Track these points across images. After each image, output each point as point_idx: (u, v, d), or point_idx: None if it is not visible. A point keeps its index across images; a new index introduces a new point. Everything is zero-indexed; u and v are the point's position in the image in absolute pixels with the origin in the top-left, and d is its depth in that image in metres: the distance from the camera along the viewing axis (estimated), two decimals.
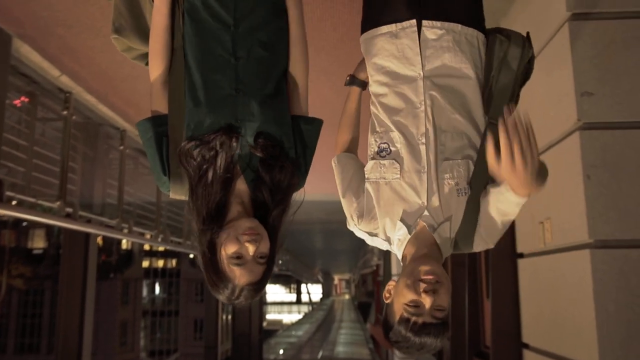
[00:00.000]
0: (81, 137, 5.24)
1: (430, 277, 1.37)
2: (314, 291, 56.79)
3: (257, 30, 1.50)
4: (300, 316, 45.96)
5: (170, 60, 1.50)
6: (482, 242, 1.52)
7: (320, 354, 21.70)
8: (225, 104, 1.44)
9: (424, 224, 1.49)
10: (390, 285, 1.48)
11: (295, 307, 51.93)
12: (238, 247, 1.33)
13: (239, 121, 1.43)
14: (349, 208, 1.62)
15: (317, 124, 1.57)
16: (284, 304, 52.28)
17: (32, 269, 26.31)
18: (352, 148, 1.74)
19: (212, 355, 11.20)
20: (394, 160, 1.54)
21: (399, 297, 1.40)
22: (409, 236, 1.50)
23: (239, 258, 1.33)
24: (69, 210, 4.54)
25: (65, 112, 4.48)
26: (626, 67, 2.38)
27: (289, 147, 1.49)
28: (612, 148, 2.34)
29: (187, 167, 1.41)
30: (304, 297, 53.72)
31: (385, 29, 1.61)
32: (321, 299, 56.32)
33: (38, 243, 27.88)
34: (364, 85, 1.71)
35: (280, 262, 28.56)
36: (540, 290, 2.95)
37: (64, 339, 5.33)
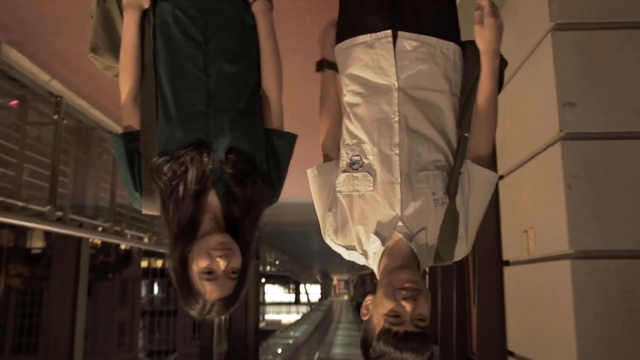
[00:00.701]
0: (73, 140, 5.24)
1: (408, 284, 1.36)
2: (312, 291, 56.84)
3: (227, 47, 1.51)
4: (298, 317, 45.97)
5: (141, 76, 1.51)
6: (463, 245, 1.52)
7: (316, 356, 21.68)
8: (196, 120, 1.45)
9: (399, 235, 1.48)
10: (368, 300, 1.45)
11: (294, 308, 51.94)
12: (209, 262, 1.33)
13: (210, 137, 1.44)
14: (323, 223, 1.60)
15: (290, 138, 1.58)
16: (282, 305, 52.30)
17: (30, 269, 26.27)
18: (337, 134, 1.66)
19: (208, 357, 11.19)
20: (367, 173, 1.53)
21: (378, 309, 1.38)
22: (383, 248, 1.48)
23: (210, 273, 1.33)
24: (60, 214, 4.54)
25: (56, 117, 4.48)
26: (610, 78, 2.38)
27: (260, 162, 1.49)
28: (593, 158, 2.34)
29: (159, 182, 1.42)
30: (303, 298, 53.77)
31: (360, 39, 1.60)
32: (320, 300, 56.31)
33: (36, 243, 27.85)
34: (334, 66, 1.68)
35: (277, 262, 28.58)
36: (524, 299, 2.95)
37: (55, 343, 5.34)
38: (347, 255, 1.61)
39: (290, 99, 4.70)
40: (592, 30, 2.41)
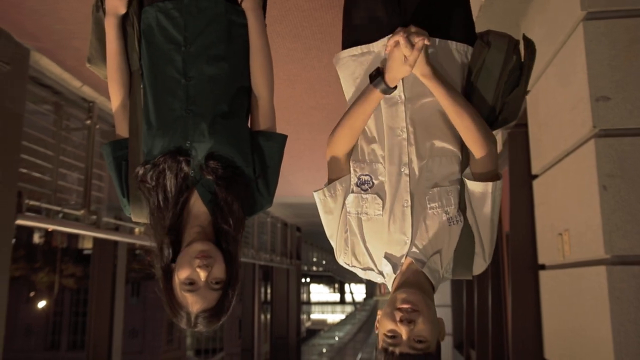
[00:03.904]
0: None
1: (405, 305, 1.29)
2: (357, 291, 56.67)
3: (210, 48, 1.45)
4: (343, 316, 45.91)
5: (129, 83, 1.49)
6: (481, 260, 1.44)
7: (359, 356, 21.58)
8: (176, 126, 1.40)
9: (411, 259, 1.41)
10: (379, 314, 1.40)
11: (338, 307, 51.92)
12: (190, 272, 1.28)
13: (190, 143, 1.39)
14: (335, 245, 1.53)
15: (277, 139, 1.49)
16: (327, 304, 52.35)
17: (82, 269, 27.13)
18: (349, 153, 1.51)
19: (249, 358, 11.26)
20: (376, 195, 1.45)
21: (381, 327, 1.34)
22: (394, 275, 1.43)
23: (191, 284, 1.28)
24: (94, 217, 4.61)
25: (88, 122, 4.55)
26: None
27: (245, 166, 1.42)
28: (630, 157, 2.18)
29: (144, 191, 1.39)
30: (348, 297, 53.66)
31: (366, 47, 1.53)
32: (364, 299, 56.11)
33: (88, 244, 28.74)
34: (388, 92, 1.42)
35: (322, 262, 28.61)
36: (561, 305, 2.79)
37: (95, 342, 5.43)
38: (363, 274, 1.54)
39: (319, 97, 4.71)
40: (626, 18, 2.24)
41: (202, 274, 1.27)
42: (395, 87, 1.40)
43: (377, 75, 1.39)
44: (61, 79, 4.11)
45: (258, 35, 1.51)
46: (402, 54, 1.33)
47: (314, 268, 28.13)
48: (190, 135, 1.39)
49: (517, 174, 3.34)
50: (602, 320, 2.18)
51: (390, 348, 1.29)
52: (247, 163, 1.43)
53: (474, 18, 1.64)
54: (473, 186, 1.41)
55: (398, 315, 1.29)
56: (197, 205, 1.38)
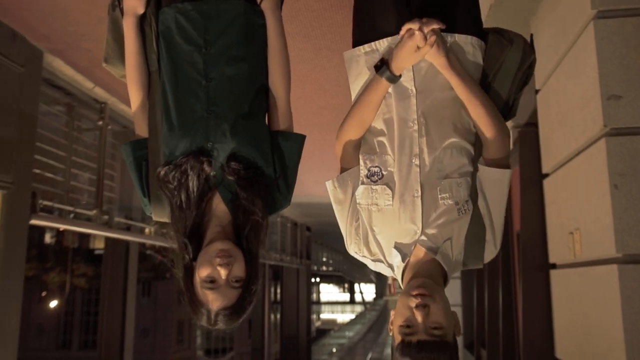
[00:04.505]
0: (120, 145, 5.36)
1: (418, 291, 1.30)
2: (367, 291, 56.62)
3: (229, 49, 1.46)
4: (353, 316, 45.87)
5: (148, 83, 1.50)
6: (491, 247, 1.46)
7: (369, 356, 21.57)
8: (197, 127, 1.42)
9: (422, 249, 1.42)
10: (392, 314, 1.40)
11: (348, 307, 51.88)
12: (210, 270, 1.30)
13: (211, 143, 1.41)
14: (346, 235, 1.55)
15: (296, 139, 1.52)
16: (337, 304, 52.32)
17: (93, 268, 27.29)
18: (361, 140, 1.52)
19: (259, 357, 11.29)
20: (385, 186, 1.46)
21: (395, 322, 1.34)
22: (403, 265, 1.43)
23: (212, 282, 1.31)
24: (106, 218, 4.65)
25: (100, 122, 4.59)
26: None
27: (266, 167, 1.44)
28: None
29: (165, 191, 1.41)
30: (357, 297, 53.62)
31: (376, 44, 1.53)
32: (374, 299, 56.03)
33: (99, 244, 28.91)
34: (394, 80, 1.44)
35: (331, 262, 28.61)
36: (573, 304, 2.78)
37: (107, 341, 5.48)
38: (373, 266, 1.56)
39: (329, 97, 4.72)
40: (637, 16, 2.24)
41: (223, 272, 1.29)
42: (400, 76, 1.43)
43: (382, 65, 1.43)
44: (73, 80, 4.15)
45: (277, 36, 1.52)
46: (414, 44, 1.36)
47: (324, 268, 28.13)
48: (211, 136, 1.41)
49: (528, 173, 3.33)
50: (614, 320, 2.18)
51: (407, 338, 1.28)
52: (268, 163, 1.45)
53: (483, 18, 1.65)
54: (488, 173, 1.43)
55: (412, 302, 1.29)
56: (218, 206, 1.40)
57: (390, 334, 1.38)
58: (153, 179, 1.45)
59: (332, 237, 20.49)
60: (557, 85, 2.71)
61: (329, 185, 1.55)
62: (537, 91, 3.09)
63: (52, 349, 28.73)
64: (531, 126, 3.30)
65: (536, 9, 3.00)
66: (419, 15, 1.49)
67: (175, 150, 1.42)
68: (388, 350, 22.91)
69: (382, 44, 1.51)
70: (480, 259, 1.48)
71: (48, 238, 26.55)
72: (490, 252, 1.47)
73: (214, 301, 1.31)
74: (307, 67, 4.02)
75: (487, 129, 1.42)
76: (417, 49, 1.37)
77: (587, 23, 2.33)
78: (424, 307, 1.27)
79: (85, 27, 3.31)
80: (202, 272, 1.30)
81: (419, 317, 1.27)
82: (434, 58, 1.40)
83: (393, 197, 1.44)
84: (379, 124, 1.49)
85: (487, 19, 2.91)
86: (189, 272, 1.35)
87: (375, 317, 39.98)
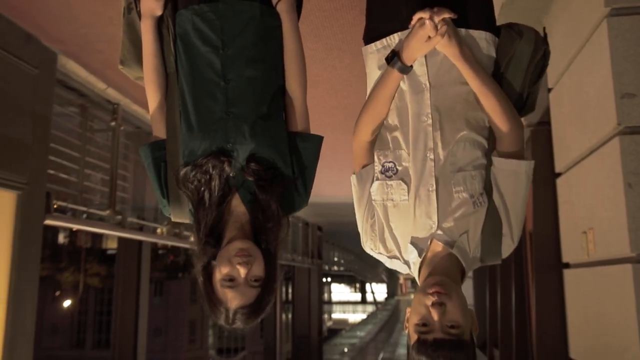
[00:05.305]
0: (133, 146, 5.40)
1: (434, 289, 1.28)
2: (378, 290, 56.51)
3: (246, 51, 1.47)
4: (364, 316, 45.83)
5: (166, 84, 1.51)
6: (509, 241, 1.44)
7: (381, 356, 21.52)
8: (216, 129, 1.43)
9: (439, 243, 1.41)
10: (407, 313, 1.38)
11: (360, 307, 51.84)
12: (230, 269, 1.31)
13: (231, 144, 1.42)
14: (362, 232, 1.54)
15: (314, 140, 1.52)
16: (348, 304, 52.29)
17: (106, 268, 27.52)
18: (377, 134, 1.52)
19: (272, 356, 11.31)
20: (400, 181, 1.45)
21: (411, 320, 1.32)
22: (419, 260, 1.42)
23: (231, 280, 1.32)
24: (119, 218, 4.68)
25: (113, 123, 4.62)
26: None
27: (285, 168, 1.45)
28: None
29: (186, 191, 1.42)
30: (369, 297, 53.56)
31: (389, 40, 1.53)
32: (386, 299, 55.91)
33: (112, 244, 29.14)
34: (406, 71, 1.44)
35: (342, 261, 28.59)
36: (587, 304, 2.77)
37: (120, 340, 5.51)
38: (389, 263, 1.55)
39: (340, 97, 4.72)
40: None
41: (242, 271, 1.30)
42: (412, 67, 1.43)
43: (393, 56, 1.43)
44: (87, 81, 4.18)
45: (293, 38, 1.53)
46: (425, 33, 1.36)
47: (335, 268, 28.13)
48: (231, 137, 1.42)
49: (540, 172, 3.31)
50: (628, 319, 2.16)
51: (423, 337, 1.26)
52: (287, 164, 1.45)
53: (495, 16, 1.64)
54: (502, 164, 1.42)
55: (429, 300, 1.27)
56: (238, 206, 1.41)
57: (406, 331, 1.36)
58: (172, 180, 1.46)
59: (343, 237, 20.47)
60: (570, 84, 2.69)
61: (352, 180, 1.55)
62: (549, 90, 3.07)
63: (65, 348, 29.02)
64: (544, 125, 3.28)
65: (548, 7, 2.98)
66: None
67: (195, 151, 1.43)
68: (400, 350, 22.83)
69: (394, 39, 1.51)
70: (498, 255, 1.46)
71: (61, 238, 26.81)
72: (508, 246, 1.45)
73: (232, 300, 1.31)
74: (318, 67, 4.03)
75: (500, 121, 1.41)
76: (427, 39, 1.37)
77: (600, 21, 2.31)
78: (440, 305, 1.26)
79: (98, 28, 3.34)
80: (222, 271, 1.31)
81: (435, 315, 1.26)
82: (446, 48, 1.39)
83: (409, 192, 1.44)
84: (392, 119, 1.49)
85: (499, 18, 2.87)
86: (208, 271, 1.36)
87: (386, 317, 39.92)
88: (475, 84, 1.41)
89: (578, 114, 2.66)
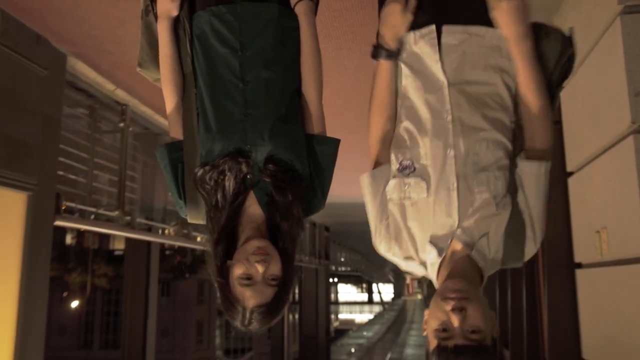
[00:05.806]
0: (141, 147, 5.41)
1: (454, 294, 1.25)
2: (385, 291, 56.43)
3: (265, 52, 1.47)
4: (371, 316, 45.81)
5: (183, 86, 1.51)
6: (531, 244, 1.42)
7: (388, 356, 21.49)
8: (235, 130, 1.43)
9: (459, 244, 1.37)
10: (426, 314, 1.34)
11: (367, 307, 51.82)
12: (247, 267, 1.31)
13: (249, 145, 1.42)
14: (375, 233, 1.50)
15: (331, 143, 1.52)
16: (355, 304, 52.28)
17: (114, 269, 27.57)
18: (389, 132, 1.51)
19: (279, 356, 11.31)
20: (419, 178, 1.42)
21: (430, 325, 1.28)
22: (439, 259, 1.38)
23: (248, 279, 1.31)
24: (128, 218, 4.69)
25: (122, 124, 4.63)
26: None
27: (302, 170, 1.44)
28: None
29: (202, 192, 1.42)
30: (375, 297, 53.52)
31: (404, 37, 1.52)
32: (392, 299, 55.85)
33: (119, 245, 29.20)
34: (393, 55, 1.46)
35: (349, 262, 28.57)
36: (600, 304, 2.75)
37: (129, 341, 5.52)
38: (404, 265, 1.50)
39: (350, 98, 4.71)
40: None
41: (260, 269, 1.29)
42: (399, 51, 1.46)
43: (375, 50, 1.46)
44: (95, 82, 4.19)
45: (310, 40, 1.52)
46: (399, 5, 1.40)
47: (342, 268, 28.10)
48: (249, 139, 1.42)
49: (552, 172, 3.28)
50: None
51: (443, 343, 1.23)
52: (304, 166, 1.45)
53: None
54: (526, 166, 1.41)
55: (449, 304, 1.23)
56: (253, 207, 1.41)
57: (424, 334, 1.33)
58: (189, 181, 1.46)
59: (350, 237, 20.44)
60: (583, 82, 2.68)
61: (363, 179, 1.52)
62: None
63: (73, 348, 29.10)
64: (555, 124, 3.24)
65: (560, 6, 2.97)
66: (449, 12, 1.48)
67: (212, 152, 1.43)
68: (407, 351, 22.77)
69: (406, 37, 1.50)
70: (519, 258, 1.43)
71: (69, 239, 26.89)
72: (530, 249, 1.42)
73: (249, 298, 1.30)
74: (328, 68, 4.01)
75: (538, 117, 1.41)
76: (404, 8, 1.40)
77: (613, 19, 2.30)
78: (461, 310, 1.22)
79: (108, 30, 3.34)
80: (239, 269, 1.31)
81: (455, 321, 1.22)
82: (509, 27, 1.40)
83: (428, 190, 1.40)
84: (409, 118, 1.48)
85: None
86: (224, 271, 1.35)
87: (393, 317, 39.87)
88: (525, 77, 1.41)
89: (591, 113, 2.64)
